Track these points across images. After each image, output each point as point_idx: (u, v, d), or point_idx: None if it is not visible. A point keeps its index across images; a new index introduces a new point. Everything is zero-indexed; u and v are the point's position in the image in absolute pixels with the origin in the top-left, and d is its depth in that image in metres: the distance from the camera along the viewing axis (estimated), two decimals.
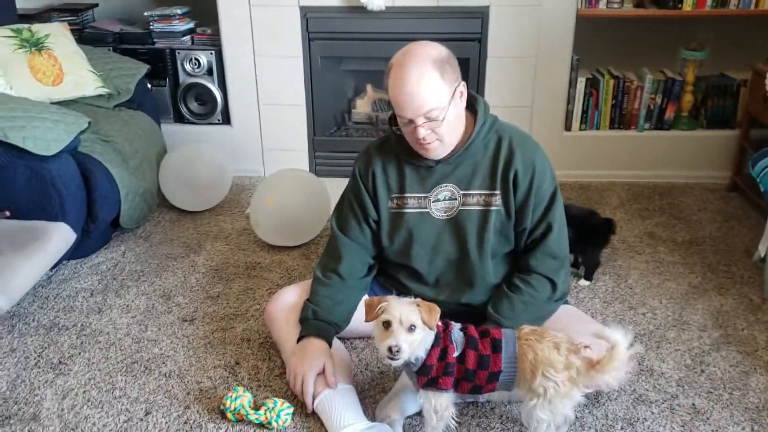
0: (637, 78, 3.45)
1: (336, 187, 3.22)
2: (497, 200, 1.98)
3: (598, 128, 3.50)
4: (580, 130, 3.50)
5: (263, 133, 3.55)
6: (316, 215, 2.89)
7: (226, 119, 3.58)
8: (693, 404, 2.02)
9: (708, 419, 1.96)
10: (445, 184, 2.00)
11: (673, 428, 1.93)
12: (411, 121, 1.86)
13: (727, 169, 3.42)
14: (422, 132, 1.87)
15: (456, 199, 2.00)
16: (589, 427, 1.94)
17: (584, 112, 3.46)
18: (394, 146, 2.02)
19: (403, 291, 2.15)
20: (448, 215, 2.02)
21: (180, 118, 3.62)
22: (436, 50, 1.86)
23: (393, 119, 1.97)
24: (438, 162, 1.98)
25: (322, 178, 3.18)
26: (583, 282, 2.61)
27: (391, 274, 2.16)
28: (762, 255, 2.56)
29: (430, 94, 1.82)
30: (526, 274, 2.02)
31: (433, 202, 2.01)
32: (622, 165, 3.50)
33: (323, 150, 3.55)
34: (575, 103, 3.44)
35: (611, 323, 2.26)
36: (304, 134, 3.53)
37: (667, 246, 2.89)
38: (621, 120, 3.49)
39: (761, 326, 2.37)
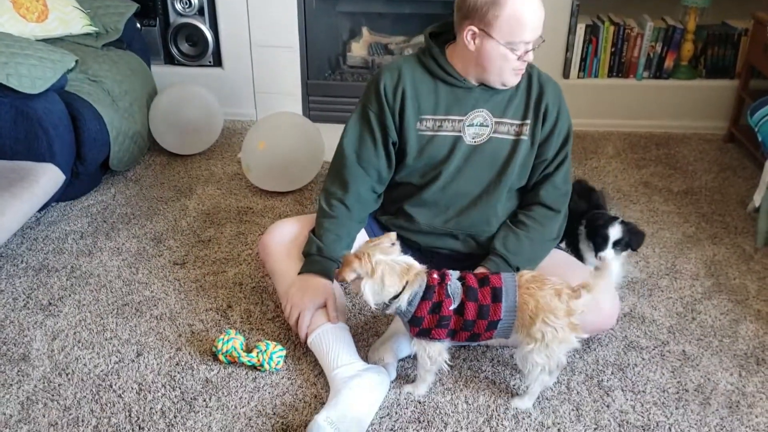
0: (638, 25, 3.38)
1: (330, 133, 3.18)
2: (527, 130, 1.98)
3: (596, 76, 3.45)
4: (579, 78, 3.44)
5: (255, 75, 3.48)
6: (309, 161, 2.85)
7: (218, 61, 3.50)
8: (683, 351, 2.03)
9: (697, 365, 1.97)
10: (480, 110, 1.97)
11: (663, 374, 1.95)
12: (527, 44, 1.84)
13: (725, 119, 3.39)
14: (531, 56, 1.88)
15: (488, 126, 1.97)
16: (580, 372, 1.95)
17: (583, 59, 3.41)
18: (430, 64, 1.96)
19: (406, 224, 2.11)
20: (476, 141, 1.98)
21: (170, 60, 3.53)
22: None
23: (433, 36, 1.96)
24: (479, 84, 1.95)
25: (316, 123, 3.13)
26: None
27: (397, 207, 2.11)
28: (756, 205, 2.56)
29: (543, 10, 1.85)
30: (533, 209, 2.03)
31: (467, 126, 1.97)
32: (620, 114, 3.46)
33: (317, 94, 3.49)
34: (574, 51, 3.38)
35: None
36: (298, 78, 3.46)
37: (662, 195, 2.88)
38: (620, 68, 3.44)
39: (753, 276, 2.38)
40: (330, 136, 3.09)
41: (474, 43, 1.85)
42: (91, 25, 3.07)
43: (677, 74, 3.42)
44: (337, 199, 2.02)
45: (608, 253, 2.12)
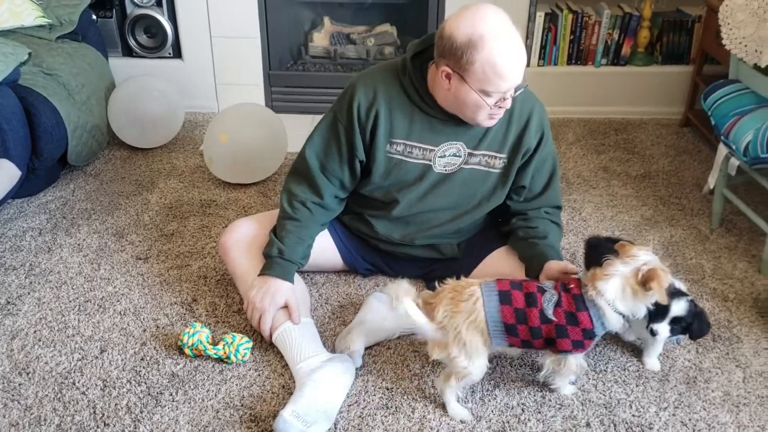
0: (595, 13, 3.43)
1: (294, 123, 3.18)
2: (500, 163, 1.97)
3: (556, 64, 3.49)
4: (539, 66, 3.48)
5: (216, 67, 3.44)
6: (272, 152, 2.84)
7: (177, 53, 3.45)
8: None
9: None
10: (454, 141, 1.94)
11: (624, 353, 2.00)
12: (503, 93, 1.77)
13: (681, 104, 3.46)
14: (509, 102, 1.81)
15: (461, 156, 1.96)
16: (543, 354, 1.98)
17: (543, 47, 3.44)
18: (408, 87, 1.90)
19: (365, 230, 2.13)
20: (446, 170, 1.98)
21: (129, 52, 3.47)
22: (500, 9, 1.76)
23: (414, 59, 1.88)
24: (456, 117, 1.90)
25: (279, 114, 3.12)
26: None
27: (358, 212, 2.13)
28: (711, 187, 2.62)
29: (525, 60, 1.77)
30: (544, 218, 2.04)
31: (438, 156, 1.96)
32: (579, 101, 3.51)
33: (279, 85, 3.47)
34: (534, 39, 3.41)
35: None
36: (259, 69, 3.43)
37: (620, 180, 2.93)
38: (579, 56, 3.48)
39: (708, 255, 2.44)
40: (293, 126, 3.09)
41: (449, 82, 1.80)
42: (43, 17, 3.00)
43: (634, 61, 3.48)
44: (300, 202, 2.02)
45: (662, 328, 1.80)
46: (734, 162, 2.40)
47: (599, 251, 2.02)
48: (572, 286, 1.69)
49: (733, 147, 2.31)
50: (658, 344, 1.93)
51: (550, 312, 1.65)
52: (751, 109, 2.31)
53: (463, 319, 1.66)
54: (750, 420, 1.79)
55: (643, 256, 1.65)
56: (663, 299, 1.62)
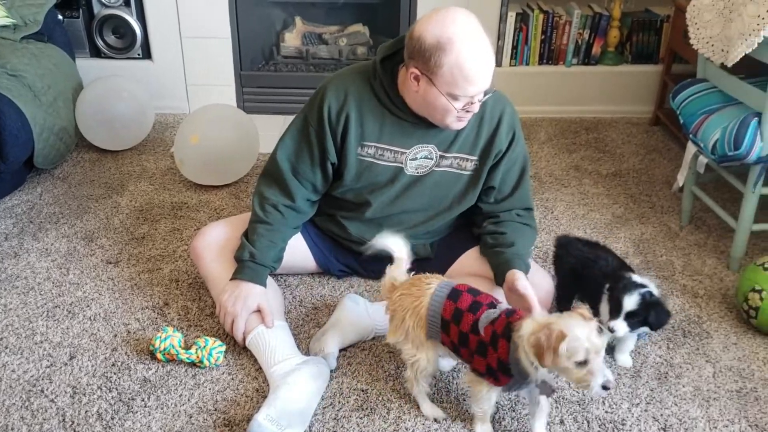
0: (566, 13, 3.46)
1: (266, 124, 3.16)
2: (472, 165, 1.97)
3: (527, 64, 3.51)
4: (511, 65, 3.50)
5: (186, 68, 3.40)
6: (244, 153, 2.81)
7: (147, 53, 3.41)
8: None
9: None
10: (425, 144, 1.94)
11: None
12: (471, 97, 1.76)
13: (650, 103, 3.51)
14: (477, 106, 1.80)
15: (432, 159, 1.96)
16: None
17: (514, 47, 3.46)
18: (378, 91, 1.89)
19: (337, 231, 2.12)
20: (418, 172, 1.98)
21: (96, 53, 3.42)
22: (471, 13, 1.76)
23: (384, 61, 1.87)
24: (426, 119, 1.89)
25: (250, 114, 3.09)
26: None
27: (330, 214, 2.12)
28: (680, 185, 2.66)
29: (493, 65, 1.75)
30: (515, 221, 2.02)
31: (410, 159, 1.95)
32: (551, 100, 3.53)
33: (251, 85, 3.44)
34: (505, 39, 3.43)
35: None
36: (231, 69, 3.40)
37: (592, 178, 2.96)
38: (550, 55, 3.51)
39: (678, 252, 2.47)
40: (265, 127, 3.07)
41: (417, 84, 1.79)
42: (7, 16, 2.94)
43: (605, 60, 3.51)
44: (272, 205, 2.00)
45: (618, 325, 1.80)
46: (703, 160, 2.43)
47: (568, 251, 2.05)
48: (517, 316, 1.59)
49: (702, 145, 2.34)
50: (629, 341, 1.95)
51: (482, 325, 1.59)
52: (719, 107, 2.34)
53: (409, 302, 1.69)
54: (720, 414, 1.82)
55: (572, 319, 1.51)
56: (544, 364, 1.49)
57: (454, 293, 1.67)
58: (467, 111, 1.80)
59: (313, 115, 1.94)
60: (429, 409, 1.78)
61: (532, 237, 2.07)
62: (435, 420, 1.77)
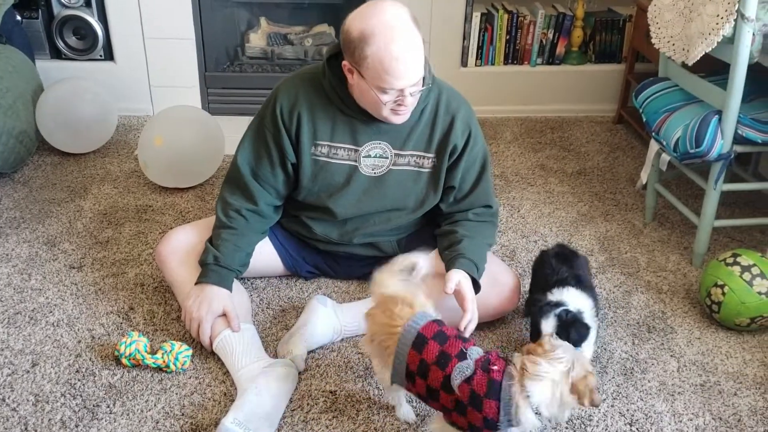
0: (530, 13, 3.49)
1: (231, 125, 3.12)
2: (429, 163, 1.97)
3: (493, 64, 3.53)
4: (476, 66, 3.52)
5: (150, 69, 3.35)
6: (209, 155, 2.79)
7: (109, 55, 3.35)
8: None
9: None
10: (378, 141, 1.93)
11: None
12: (400, 91, 1.74)
13: (614, 102, 3.55)
14: (410, 100, 1.77)
15: (387, 157, 1.95)
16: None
17: (480, 47, 3.48)
18: (328, 90, 1.89)
19: (303, 232, 2.12)
20: (375, 173, 1.97)
21: (57, 54, 3.35)
22: (403, 6, 1.73)
23: (331, 60, 1.85)
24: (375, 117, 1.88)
25: (216, 116, 3.06)
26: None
27: (294, 214, 2.12)
28: (644, 182, 2.70)
29: (421, 58, 1.72)
30: (467, 224, 2.00)
31: (363, 157, 1.95)
32: (516, 100, 3.56)
33: (216, 87, 3.41)
34: (471, 39, 3.44)
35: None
36: (195, 70, 3.36)
37: (557, 177, 2.99)
38: (515, 55, 3.53)
39: (642, 249, 2.51)
40: (231, 128, 3.03)
41: (352, 77, 1.79)
42: None
43: (569, 60, 3.56)
44: (235, 210, 1.99)
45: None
46: (665, 158, 2.48)
47: (544, 271, 1.98)
48: (495, 368, 1.50)
49: (664, 143, 2.38)
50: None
51: (456, 383, 1.49)
52: (680, 105, 2.38)
53: (378, 330, 1.60)
54: (684, 408, 1.85)
55: (563, 354, 1.47)
56: (597, 406, 1.49)
57: (420, 341, 1.53)
58: (400, 104, 1.78)
59: (267, 119, 1.94)
60: (404, 411, 1.74)
61: (489, 234, 2.04)
62: (406, 422, 1.76)
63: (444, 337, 1.56)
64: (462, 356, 1.52)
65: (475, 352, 1.54)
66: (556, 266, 1.96)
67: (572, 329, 1.78)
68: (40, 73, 3.16)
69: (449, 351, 1.52)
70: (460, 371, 1.49)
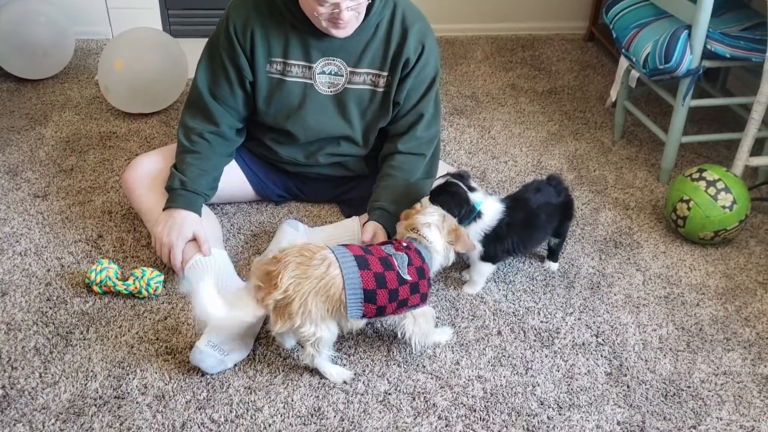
0: None
1: (193, 47, 3.01)
2: (383, 82, 1.94)
3: None
4: None
5: None
6: (173, 78, 2.71)
7: None
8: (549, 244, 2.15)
9: (562, 253, 2.10)
10: (332, 58, 1.90)
11: (531, 264, 2.07)
12: (335, 5, 1.70)
13: (585, 19, 3.51)
14: (347, 14, 1.73)
15: (342, 75, 1.92)
16: (456, 269, 2.03)
17: None
18: (280, 6, 1.85)
19: (269, 155, 2.10)
20: (332, 91, 1.94)
21: None
22: None
23: None
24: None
25: (177, 38, 2.96)
26: (552, 265, 2.06)
27: (259, 138, 2.09)
28: (613, 100, 2.70)
29: None
30: (395, 159, 1.99)
31: (318, 74, 1.91)
32: (486, 18, 3.49)
33: (177, 7, 3.28)
34: None
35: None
36: None
37: (527, 96, 2.97)
38: None
39: (611, 167, 2.53)
40: (193, 50, 2.93)
41: None
42: None
43: None
44: (197, 134, 1.96)
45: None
46: (635, 74, 2.47)
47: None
48: (405, 245, 1.69)
49: (634, 59, 2.36)
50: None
51: (405, 272, 1.63)
52: (650, 21, 2.36)
53: (312, 285, 1.54)
54: (649, 319, 1.91)
55: (432, 209, 1.76)
56: (470, 249, 1.80)
57: (361, 261, 1.60)
58: (336, 18, 1.76)
59: (221, 38, 1.91)
60: (336, 373, 1.70)
61: (414, 169, 2.00)
62: (344, 382, 1.70)
63: (366, 249, 1.66)
64: (389, 253, 1.66)
65: (389, 247, 1.69)
66: (524, 191, 1.95)
67: (452, 200, 1.80)
68: None
69: (382, 255, 1.65)
70: (402, 261, 1.64)
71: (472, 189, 1.85)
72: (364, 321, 1.66)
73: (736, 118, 2.64)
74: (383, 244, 1.72)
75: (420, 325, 1.69)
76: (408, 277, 1.63)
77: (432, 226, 1.72)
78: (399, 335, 1.72)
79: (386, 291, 1.60)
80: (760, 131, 2.24)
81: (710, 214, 2.08)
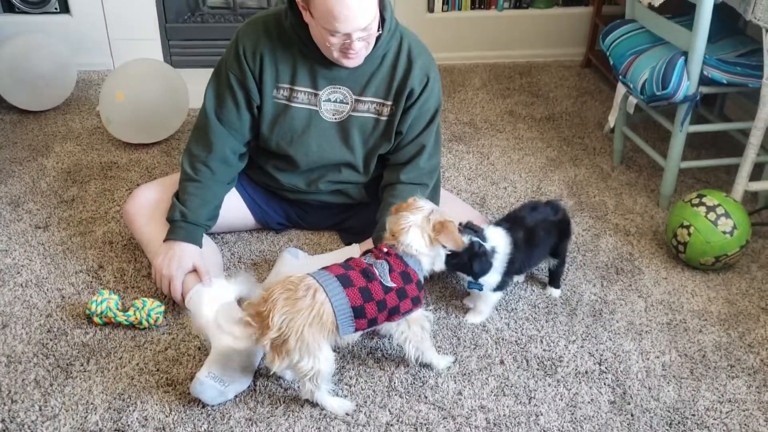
0: None
1: (194, 78, 3.05)
2: (387, 111, 1.96)
3: (459, 9, 3.49)
4: (443, 11, 3.46)
5: (108, 21, 3.25)
6: (173, 109, 2.73)
7: (64, 7, 3.23)
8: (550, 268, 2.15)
9: (564, 279, 2.10)
10: (338, 86, 1.92)
11: (533, 291, 2.07)
12: (346, 35, 1.72)
13: (582, 46, 3.54)
14: (358, 45, 1.76)
15: (347, 103, 1.94)
16: (456, 296, 2.03)
17: None
18: (290, 33, 1.87)
19: (270, 183, 2.11)
20: (336, 118, 1.96)
21: (10, 8, 3.22)
22: None
23: (293, 2, 1.82)
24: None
25: (178, 68, 2.99)
26: (554, 292, 2.06)
27: (261, 165, 2.10)
28: (611, 126, 2.71)
29: (369, 5, 1.69)
30: (397, 189, 1.99)
31: (323, 101, 1.93)
32: (484, 45, 3.53)
33: (177, 38, 3.32)
34: None
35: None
36: (155, 22, 3.26)
37: (526, 123, 2.99)
38: (481, 0, 3.49)
39: (610, 192, 2.54)
40: (194, 81, 2.96)
41: (306, 15, 1.78)
42: None
43: (536, 3, 3.52)
44: (201, 162, 1.97)
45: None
46: (632, 100, 2.48)
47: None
48: (386, 251, 1.68)
49: (631, 86, 2.38)
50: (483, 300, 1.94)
51: (387, 280, 1.63)
52: (647, 48, 2.38)
53: (304, 317, 1.53)
54: (651, 346, 1.90)
55: (423, 204, 1.71)
56: (457, 246, 1.70)
57: (344, 279, 1.60)
58: (347, 49, 1.77)
59: (230, 61, 1.93)
60: (337, 405, 1.68)
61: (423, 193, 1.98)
62: (346, 413, 1.68)
63: (347, 265, 1.66)
64: (370, 264, 1.66)
65: (369, 257, 1.69)
66: (519, 210, 1.97)
67: (476, 262, 1.79)
68: None
69: (362, 266, 1.65)
70: (383, 270, 1.64)
71: (484, 238, 1.83)
72: (359, 333, 1.67)
73: (735, 144, 2.65)
74: (365, 253, 1.72)
75: (414, 330, 1.70)
76: (392, 284, 1.63)
77: (411, 228, 1.67)
78: (395, 343, 1.71)
79: (374, 303, 1.61)
80: (758, 156, 2.25)
81: (711, 239, 2.07)
